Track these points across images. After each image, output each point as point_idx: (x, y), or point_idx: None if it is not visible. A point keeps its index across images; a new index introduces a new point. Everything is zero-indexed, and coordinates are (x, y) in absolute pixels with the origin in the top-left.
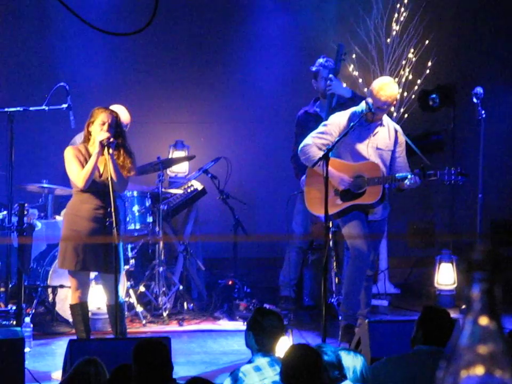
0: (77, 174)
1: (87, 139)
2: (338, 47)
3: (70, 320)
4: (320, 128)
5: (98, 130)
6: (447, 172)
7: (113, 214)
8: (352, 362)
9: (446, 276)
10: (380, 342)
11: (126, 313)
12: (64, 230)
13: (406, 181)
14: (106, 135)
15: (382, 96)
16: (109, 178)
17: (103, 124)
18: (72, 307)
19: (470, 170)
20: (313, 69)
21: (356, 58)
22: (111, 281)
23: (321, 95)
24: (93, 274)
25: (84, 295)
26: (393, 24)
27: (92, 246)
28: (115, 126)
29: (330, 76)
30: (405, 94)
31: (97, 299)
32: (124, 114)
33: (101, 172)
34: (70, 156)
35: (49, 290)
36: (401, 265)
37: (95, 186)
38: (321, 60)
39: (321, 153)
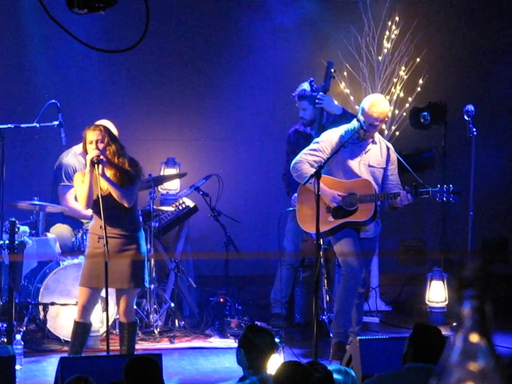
0: (78, 196)
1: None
2: (328, 64)
3: (61, 337)
4: (312, 145)
5: (90, 149)
6: (440, 189)
7: (104, 231)
8: (343, 379)
9: (437, 293)
10: (371, 359)
11: (117, 330)
12: (87, 249)
13: (398, 199)
14: (95, 153)
15: (373, 113)
16: (100, 196)
17: (91, 143)
18: (75, 324)
19: (461, 187)
20: (293, 94)
21: (347, 76)
22: (128, 298)
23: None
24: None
25: (88, 315)
26: (385, 42)
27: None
28: (103, 141)
29: (321, 93)
30: (396, 111)
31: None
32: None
33: (105, 190)
34: (77, 181)
35: (40, 307)
36: (393, 283)
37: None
38: (300, 88)
39: (313, 170)
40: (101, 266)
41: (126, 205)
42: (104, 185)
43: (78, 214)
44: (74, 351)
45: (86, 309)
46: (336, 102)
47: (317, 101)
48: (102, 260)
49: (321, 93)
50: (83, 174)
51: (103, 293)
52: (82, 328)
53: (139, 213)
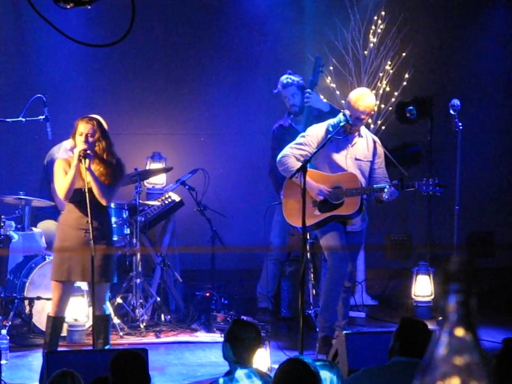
0: (59, 185)
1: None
2: (316, 59)
3: None
4: (299, 139)
5: (79, 141)
6: (425, 182)
7: (90, 225)
8: (329, 374)
9: (423, 288)
10: (357, 353)
11: None
12: (56, 241)
13: (384, 192)
14: (83, 146)
15: (359, 107)
16: (86, 190)
17: (81, 134)
18: (52, 319)
19: (447, 181)
20: (275, 91)
21: (333, 70)
22: (99, 292)
23: (293, 112)
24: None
25: (61, 309)
26: (371, 36)
27: (79, 256)
28: (94, 135)
29: (308, 90)
30: (382, 105)
31: (75, 311)
32: None
33: (87, 182)
34: (58, 168)
35: (26, 302)
36: (379, 277)
37: (80, 197)
38: (282, 79)
39: (299, 164)
40: (72, 259)
41: (104, 203)
42: (89, 179)
43: None
44: (53, 345)
45: (62, 303)
46: (323, 99)
47: (305, 99)
48: (73, 253)
49: (308, 90)
50: (66, 162)
51: (84, 287)
52: (58, 323)
53: (125, 207)
